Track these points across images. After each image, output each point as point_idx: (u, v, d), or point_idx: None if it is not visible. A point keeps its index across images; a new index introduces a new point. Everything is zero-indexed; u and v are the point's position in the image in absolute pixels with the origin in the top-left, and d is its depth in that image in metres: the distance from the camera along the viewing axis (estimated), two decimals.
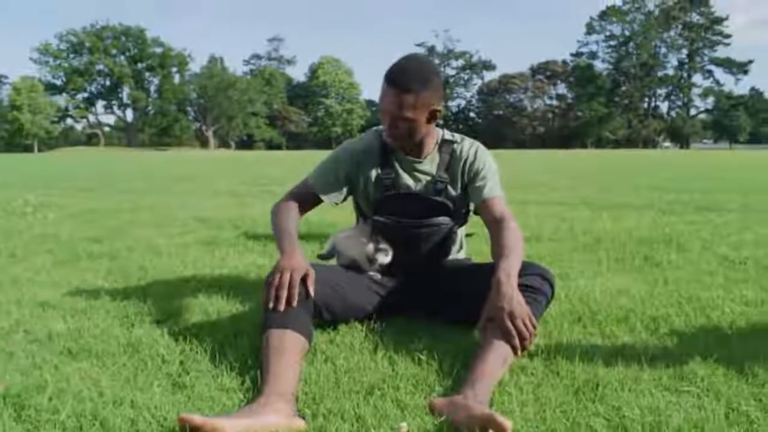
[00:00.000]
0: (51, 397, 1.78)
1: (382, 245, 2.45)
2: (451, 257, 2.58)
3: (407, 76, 2.27)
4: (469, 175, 2.45)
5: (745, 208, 6.60)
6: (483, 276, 2.13)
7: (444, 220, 2.46)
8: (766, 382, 1.85)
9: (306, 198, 2.53)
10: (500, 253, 2.15)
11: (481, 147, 2.53)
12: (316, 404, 1.75)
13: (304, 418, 1.66)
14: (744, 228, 5.11)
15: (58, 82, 79.86)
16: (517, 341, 1.90)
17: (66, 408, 1.70)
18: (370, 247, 2.45)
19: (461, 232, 2.66)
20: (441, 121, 2.53)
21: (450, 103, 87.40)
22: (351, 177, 2.52)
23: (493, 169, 2.48)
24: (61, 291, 3.06)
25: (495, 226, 2.30)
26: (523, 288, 2.12)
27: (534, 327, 1.95)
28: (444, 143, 2.50)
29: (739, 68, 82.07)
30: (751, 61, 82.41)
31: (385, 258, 2.45)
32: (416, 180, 2.47)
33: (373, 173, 2.49)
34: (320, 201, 2.54)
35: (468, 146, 2.50)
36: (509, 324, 1.91)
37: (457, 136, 2.54)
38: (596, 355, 2.07)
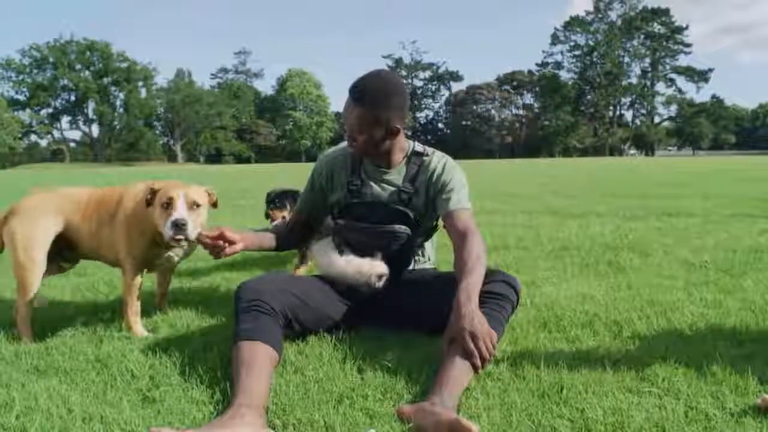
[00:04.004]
0: (18, 416, 1.78)
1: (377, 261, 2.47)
2: (417, 267, 2.62)
3: (366, 93, 2.34)
4: (436, 187, 2.48)
5: (707, 213, 6.75)
6: (446, 287, 2.17)
7: (401, 228, 2.48)
8: (723, 381, 1.91)
9: (298, 221, 2.73)
10: (461, 270, 2.16)
11: (450, 160, 2.56)
12: (286, 415, 1.77)
13: (274, 429, 1.68)
14: (705, 232, 5.24)
15: (22, 98, 78.56)
16: (478, 361, 1.92)
17: (34, 426, 1.70)
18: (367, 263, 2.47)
19: (429, 245, 2.69)
20: (409, 132, 2.58)
21: (418, 114, 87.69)
22: (326, 184, 2.62)
23: (461, 182, 2.50)
24: None
25: (458, 239, 2.31)
26: (489, 295, 2.16)
27: (494, 347, 1.98)
28: (414, 155, 2.54)
29: (700, 76, 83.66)
30: (711, 70, 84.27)
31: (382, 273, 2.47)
32: (382, 189, 2.51)
33: (343, 180, 2.56)
34: (312, 220, 2.72)
35: (437, 159, 2.54)
36: (471, 345, 1.92)
37: (429, 150, 2.58)
38: (561, 359, 2.12)
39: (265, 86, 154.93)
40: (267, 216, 3.62)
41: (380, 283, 2.43)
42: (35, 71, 78.73)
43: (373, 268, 2.42)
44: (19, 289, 2.63)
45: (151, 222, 2.56)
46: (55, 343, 2.47)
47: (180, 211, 2.43)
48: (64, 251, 2.83)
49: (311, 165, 2.83)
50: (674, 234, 5.18)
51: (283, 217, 3.51)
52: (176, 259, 2.80)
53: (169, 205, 2.46)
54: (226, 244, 2.31)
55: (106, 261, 2.83)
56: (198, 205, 2.52)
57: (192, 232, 2.42)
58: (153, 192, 2.54)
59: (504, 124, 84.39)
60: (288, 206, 3.57)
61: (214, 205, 2.69)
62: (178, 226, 2.40)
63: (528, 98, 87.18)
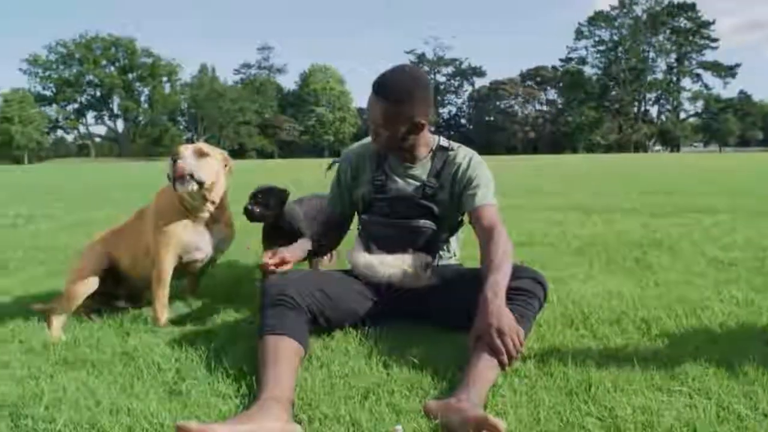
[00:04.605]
0: (47, 407, 1.80)
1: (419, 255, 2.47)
2: (442, 263, 2.60)
3: (390, 88, 2.33)
4: (462, 182, 2.47)
5: (735, 210, 6.64)
6: (472, 283, 2.15)
7: (426, 223, 2.48)
8: (755, 381, 1.88)
9: (332, 220, 2.73)
10: (488, 267, 2.15)
11: (476, 156, 2.55)
12: (312, 409, 1.77)
13: (300, 423, 1.68)
14: (733, 229, 5.15)
15: (48, 93, 79.56)
16: (505, 358, 1.91)
17: (63, 417, 1.72)
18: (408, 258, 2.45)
19: (454, 240, 2.67)
20: (432, 128, 2.57)
21: (441, 110, 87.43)
22: (351, 180, 2.63)
23: (487, 178, 2.49)
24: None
25: (485, 236, 2.31)
26: (516, 291, 2.14)
27: (521, 343, 1.96)
28: (439, 150, 2.53)
29: (727, 72, 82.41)
30: (738, 65, 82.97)
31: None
32: (407, 184, 2.51)
33: (368, 175, 2.56)
34: (343, 216, 2.71)
35: (462, 154, 2.52)
36: (498, 341, 1.91)
37: (454, 144, 2.57)
38: (589, 356, 2.10)
39: (288, 82, 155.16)
40: (246, 211, 3.08)
41: (428, 273, 2.42)
42: (61, 67, 79.79)
43: (419, 259, 2.42)
44: (63, 297, 2.73)
45: (175, 206, 2.70)
46: (83, 336, 2.50)
47: (181, 153, 2.61)
48: (119, 288, 2.95)
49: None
50: (702, 231, 5.11)
51: (263, 215, 3.05)
52: (202, 256, 2.83)
53: (175, 156, 2.62)
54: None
55: (145, 276, 2.83)
56: (204, 154, 2.66)
57: (197, 172, 2.58)
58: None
59: (527, 119, 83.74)
60: (271, 203, 3.07)
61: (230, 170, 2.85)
62: (174, 160, 2.58)
63: (551, 94, 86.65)
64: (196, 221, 2.75)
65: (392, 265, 2.41)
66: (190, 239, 2.74)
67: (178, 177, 2.56)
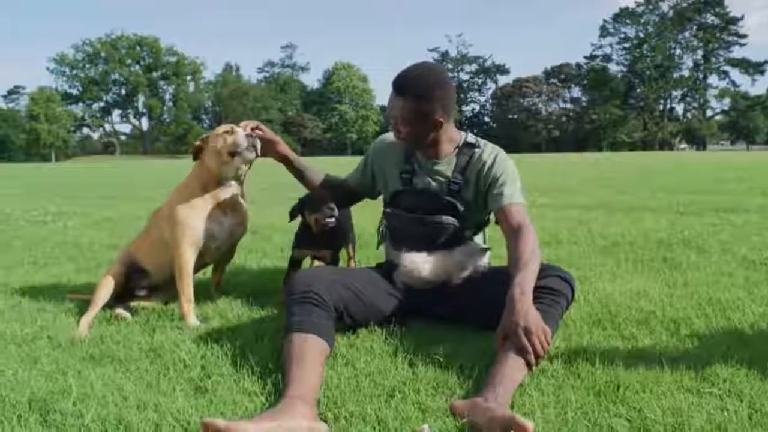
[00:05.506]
0: (75, 402, 1.81)
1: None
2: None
3: (408, 84, 2.34)
4: (487, 180, 2.45)
5: (764, 209, 6.53)
6: (498, 281, 2.14)
7: (448, 219, 2.46)
8: None
9: (343, 186, 2.84)
10: (515, 265, 2.14)
11: (502, 153, 2.53)
12: (337, 407, 1.76)
13: (326, 422, 1.67)
14: (764, 229, 5.06)
15: (75, 92, 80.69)
16: (532, 357, 1.89)
17: (90, 412, 1.73)
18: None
19: (479, 239, 2.64)
20: (456, 126, 2.56)
21: (464, 108, 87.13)
22: (378, 169, 2.66)
23: (513, 176, 2.46)
24: (83, 298, 3.09)
25: (512, 234, 2.29)
26: (543, 290, 2.12)
27: (548, 342, 1.95)
28: (465, 146, 2.51)
29: (756, 68, 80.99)
30: (767, 61, 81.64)
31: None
32: (432, 180, 2.50)
33: (395, 169, 2.57)
34: (356, 193, 2.82)
35: (489, 152, 2.50)
36: (524, 340, 1.90)
37: (481, 141, 2.55)
38: (617, 357, 2.07)
39: (311, 80, 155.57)
40: (320, 224, 2.90)
41: (484, 260, 2.49)
42: (87, 66, 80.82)
43: (476, 245, 2.48)
44: (91, 300, 2.81)
45: (193, 196, 2.78)
46: (110, 332, 2.52)
47: (245, 130, 2.75)
48: (142, 281, 2.99)
49: (357, 158, 2.84)
50: (731, 230, 5.03)
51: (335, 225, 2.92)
52: (216, 244, 2.87)
53: (231, 131, 2.76)
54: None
55: (166, 271, 2.89)
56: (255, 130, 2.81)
57: (257, 143, 2.75)
58: (203, 140, 2.84)
59: (551, 117, 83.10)
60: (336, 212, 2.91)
61: None
62: (251, 136, 2.72)
63: (576, 92, 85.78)
64: (211, 209, 2.79)
65: (437, 263, 2.42)
66: (205, 227, 2.79)
67: (251, 145, 2.72)
